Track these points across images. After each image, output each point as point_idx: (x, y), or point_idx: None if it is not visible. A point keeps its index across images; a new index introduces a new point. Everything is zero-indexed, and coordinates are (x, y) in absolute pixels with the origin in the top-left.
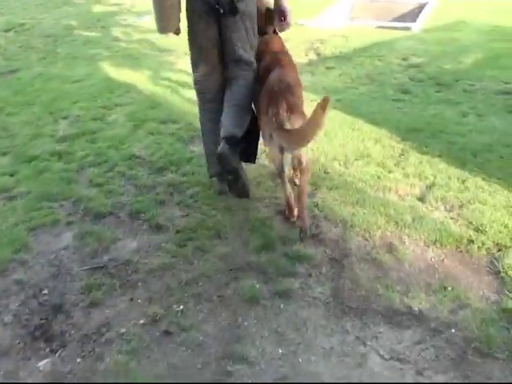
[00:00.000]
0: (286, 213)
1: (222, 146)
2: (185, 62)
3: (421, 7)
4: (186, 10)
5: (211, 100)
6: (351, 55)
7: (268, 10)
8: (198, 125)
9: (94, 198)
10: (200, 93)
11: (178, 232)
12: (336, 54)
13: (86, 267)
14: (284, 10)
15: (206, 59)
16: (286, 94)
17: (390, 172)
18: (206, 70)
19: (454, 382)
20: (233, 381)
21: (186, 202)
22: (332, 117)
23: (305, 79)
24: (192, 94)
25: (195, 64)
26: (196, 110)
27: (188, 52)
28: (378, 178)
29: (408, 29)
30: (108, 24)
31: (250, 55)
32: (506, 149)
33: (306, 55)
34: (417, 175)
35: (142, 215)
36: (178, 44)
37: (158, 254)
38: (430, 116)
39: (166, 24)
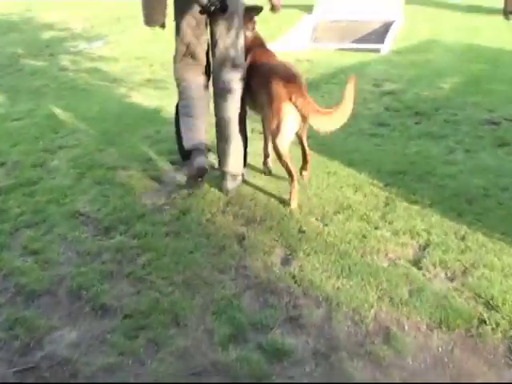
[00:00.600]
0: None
1: (227, 182)
2: (138, 95)
3: (386, 26)
4: (174, 7)
5: (194, 104)
6: (318, 82)
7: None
8: (151, 173)
9: (29, 270)
10: (183, 86)
11: (126, 317)
12: (307, 79)
13: (14, 369)
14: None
15: (193, 55)
16: (302, 83)
17: (376, 228)
18: (191, 64)
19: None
20: None
21: (137, 273)
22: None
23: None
24: (146, 133)
25: (178, 55)
26: (151, 153)
27: (139, 85)
28: (364, 236)
29: (377, 51)
30: (56, 51)
31: (240, 55)
32: (504, 193)
33: None
34: (407, 231)
35: (84, 293)
36: (131, 72)
37: (101, 350)
38: (414, 154)
39: (151, 17)
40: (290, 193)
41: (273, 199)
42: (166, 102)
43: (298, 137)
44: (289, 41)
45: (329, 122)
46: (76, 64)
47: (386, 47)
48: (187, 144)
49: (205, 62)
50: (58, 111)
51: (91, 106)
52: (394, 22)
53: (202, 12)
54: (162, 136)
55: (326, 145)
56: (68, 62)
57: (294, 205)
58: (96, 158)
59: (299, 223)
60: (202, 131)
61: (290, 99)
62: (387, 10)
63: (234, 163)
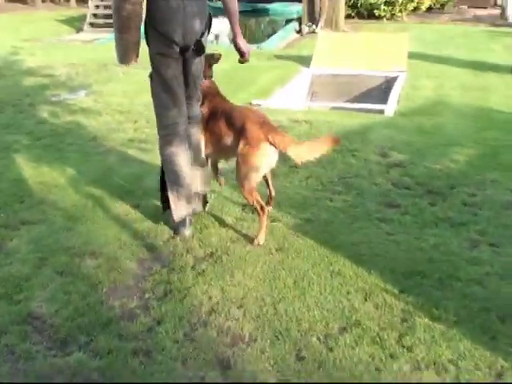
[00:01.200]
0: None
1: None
2: (117, 158)
3: (388, 82)
4: (151, 51)
5: (179, 143)
6: None
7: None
8: (123, 263)
9: None
10: (168, 137)
11: None
12: None
13: None
14: (242, 49)
15: (175, 94)
16: (270, 123)
17: (391, 356)
18: (176, 111)
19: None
20: None
21: None
22: (303, 249)
23: (263, 184)
24: (122, 208)
25: (162, 101)
26: (125, 235)
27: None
28: (377, 369)
29: (380, 112)
30: (36, 100)
31: (199, 98)
32: None
33: None
34: (431, 363)
35: None
36: (113, 129)
37: None
38: (431, 248)
39: (126, 56)
40: (260, 229)
41: (266, 303)
42: (148, 169)
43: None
44: (284, 97)
45: (305, 151)
46: (55, 117)
47: (390, 108)
48: (177, 215)
49: (183, 98)
50: (27, 174)
51: (65, 169)
52: (396, 77)
53: (180, 52)
54: (140, 213)
55: (328, 232)
56: (46, 114)
57: (261, 241)
58: (62, 240)
59: (297, 345)
60: (190, 203)
61: (268, 139)
62: (389, 64)
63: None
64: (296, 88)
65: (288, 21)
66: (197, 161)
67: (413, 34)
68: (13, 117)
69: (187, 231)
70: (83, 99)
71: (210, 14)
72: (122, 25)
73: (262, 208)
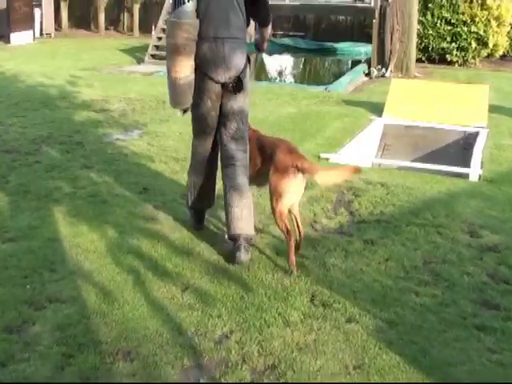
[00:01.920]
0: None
1: (240, 244)
2: (166, 222)
3: (467, 139)
4: (195, 87)
5: (203, 161)
6: (398, 221)
7: None
8: (162, 370)
9: None
10: (196, 155)
11: None
12: (376, 217)
13: None
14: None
15: (207, 131)
16: (299, 151)
17: None
18: (205, 138)
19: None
20: None
21: None
22: (387, 369)
23: (336, 264)
24: (166, 292)
25: (196, 133)
26: (167, 331)
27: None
28: None
29: (464, 176)
30: (86, 139)
31: (245, 131)
32: None
33: (336, 213)
34: None
35: None
36: (165, 183)
37: None
38: None
39: (178, 99)
40: (288, 254)
41: None
42: (202, 238)
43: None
44: (354, 150)
45: (330, 177)
46: (103, 160)
47: (475, 172)
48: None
49: (214, 134)
50: (63, 233)
51: (106, 230)
52: (477, 133)
53: (221, 91)
54: (187, 298)
55: (416, 343)
56: (95, 157)
57: (293, 266)
58: (93, 329)
59: None
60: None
61: (296, 165)
62: (468, 118)
63: (247, 226)
64: (367, 140)
65: (355, 61)
66: (242, 200)
67: (488, 83)
68: (58, 157)
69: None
70: (136, 141)
71: (248, 54)
72: (176, 65)
73: (288, 232)
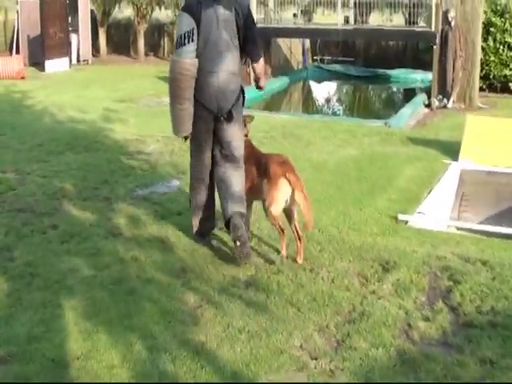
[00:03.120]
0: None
1: (234, 218)
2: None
3: None
4: (193, 115)
5: (203, 179)
6: None
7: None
8: None
9: None
10: (195, 174)
11: None
12: (487, 317)
13: None
14: (263, 87)
15: (203, 152)
16: (290, 163)
17: None
18: (202, 158)
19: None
20: None
21: None
22: None
23: None
24: None
25: (194, 154)
26: None
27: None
28: None
29: None
30: (114, 193)
31: (239, 152)
32: None
33: (433, 310)
34: None
35: None
36: (209, 258)
37: None
38: None
39: (180, 128)
40: (282, 248)
41: None
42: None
43: (288, 215)
44: (433, 206)
45: (306, 202)
46: (134, 225)
47: None
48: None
49: (210, 156)
50: (72, 352)
51: (131, 346)
52: None
53: (214, 119)
54: None
55: None
56: (123, 221)
57: (284, 253)
58: None
59: None
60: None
61: (285, 176)
62: None
63: (240, 203)
64: (444, 191)
65: (410, 89)
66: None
67: None
68: (79, 220)
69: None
70: (175, 196)
71: (242, 87)
72: (178, 96)
73: (282, 231)
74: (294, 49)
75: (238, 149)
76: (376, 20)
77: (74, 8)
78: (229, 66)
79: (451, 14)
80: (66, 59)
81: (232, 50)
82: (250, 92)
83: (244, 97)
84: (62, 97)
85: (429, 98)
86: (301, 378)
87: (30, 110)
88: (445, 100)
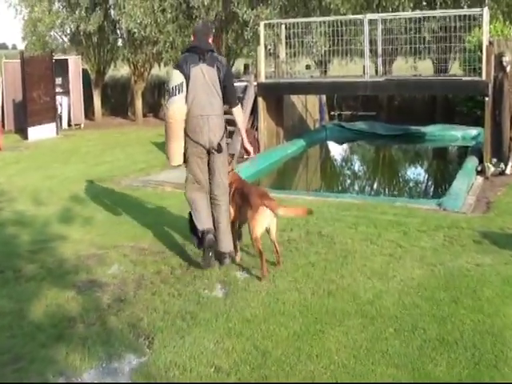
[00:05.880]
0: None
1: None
2: None
3: None
4: (186, 151)
5: (201, 207)
6: None
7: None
8: None
9: None
10: (192, 200)
11: None
12: None
13: None
14: (249, 150)
15: (199, 182)
16: (269, 195)
17: None
18: (198, 185)
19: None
20: None
21: None
22: None
23: None
24: None
25: (190, 182)
26: None
27: None
28: None
29: None
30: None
31: (225, 180)
32: None
33: None
34: None
35: None
36: None
37: None
38: None
39: (174, 159)
40: (261, 267)
41: None
42: None
43: (271, 237)
44: None
45: (287, 213)
46: None
47: None
48: (200, 227)
49: (207, 185)
50: None
51: None
52: None
53: (207, 152)
54: None
55: None
56: None
57: (265, 274)
58: None
59: None
60: (208, 220)
61: (264, 204)
62: None
63: (226, 245)
64: None
65: (447, 150)
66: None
67: None
68: None
69: (209, 235)
70: None
71: (225, 124)
72: (171, 136)
73: (260, 253)
74: (309, 105)
75: (225, 175)
76: (399, 68)
77: (63, 68)
78: (215, 110)
79: (506, 59)
80: (53, 125)
81: (216, 98)
82: (261, 160)
83: (226, 131)
84: (27, 178)
85: (480, 162)
86: None
87: None
88: (502, 165)
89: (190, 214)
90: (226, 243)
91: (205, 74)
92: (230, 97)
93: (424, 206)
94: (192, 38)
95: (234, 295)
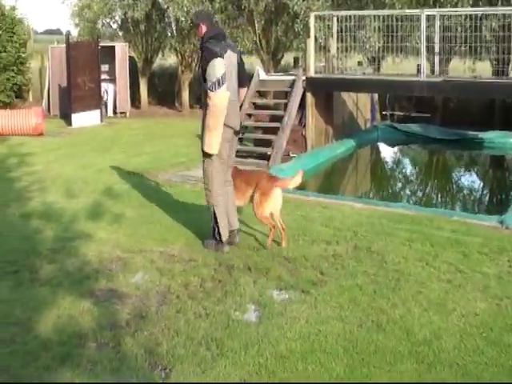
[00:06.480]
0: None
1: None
2: None
3: None
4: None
5: (223, 214)
6: None
7: None
8: None
9: None
10: (219, 187)
11: None
12: None
13: None
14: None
15: (224, 165)
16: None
17: None
18: (222, 169)
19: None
20: None
21: None
22: None
23: None
24: None
25: (217, 167)
26: None
27: None
28: None
29: None
30: None
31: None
32: None
33: None
34: None
35: None
36: None
37: None
38: None
39: (213, 146)
40: (269, 237)
41: None
42: None
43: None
44: None
45: (291, 183)
46: None
47: None
48: (224, 238)
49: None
50: None
51: None
52: None
53: (235, 133)
54: None
55: None
56: None
57: (270, 242)
58: None
59: None
60: (232, 219)
61: (276, 185)
62: None
63: (235, 222)
64: None
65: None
66: (233, 206)
67: None
68: None
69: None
70: None
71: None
72: (216, 124)
73: (273, 226)
74: (360, 103)
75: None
76: (455, 69)
77: (110, 55)
78: (237, 94)
79: None
80: (97, 112)
81: (237, 82)
82: (308, 160)
83: None
84: (64, 165)
85: None
86: None
87: (3, 187)
88: None
89: (214, 213)
90: (236, 220)
91: (232, 61)
92: (243, 77)
93: (483, 222)
94: (204, 26)
95: (268, 321)
